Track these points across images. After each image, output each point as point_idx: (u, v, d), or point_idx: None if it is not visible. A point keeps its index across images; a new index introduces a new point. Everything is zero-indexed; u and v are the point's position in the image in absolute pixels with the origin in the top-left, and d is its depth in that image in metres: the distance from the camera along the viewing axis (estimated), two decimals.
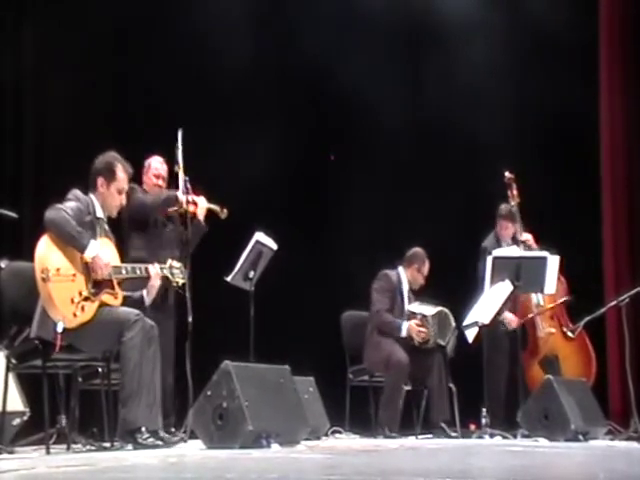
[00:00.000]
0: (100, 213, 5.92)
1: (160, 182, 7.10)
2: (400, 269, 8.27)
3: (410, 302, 8.22)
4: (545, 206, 9.08)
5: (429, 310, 7.99)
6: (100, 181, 5.93)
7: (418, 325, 7.94)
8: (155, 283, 5.95)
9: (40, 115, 8.53)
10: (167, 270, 6.01)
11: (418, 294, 8.29)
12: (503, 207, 8.50)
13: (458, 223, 9.16)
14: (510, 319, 8.15)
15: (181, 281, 6.10)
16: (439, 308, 8.02)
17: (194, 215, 6.99)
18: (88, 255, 5.65)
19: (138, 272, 5.93)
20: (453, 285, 8.32)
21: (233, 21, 9.23)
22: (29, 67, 8.49)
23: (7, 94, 8.31)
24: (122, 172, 5.97)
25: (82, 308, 5.62)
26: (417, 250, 8.30)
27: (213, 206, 7.11)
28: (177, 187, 6.87)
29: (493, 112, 9.48)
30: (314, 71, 9.76)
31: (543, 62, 9.56)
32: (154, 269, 5.94)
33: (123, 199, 6.04)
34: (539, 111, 9.51)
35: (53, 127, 8.52)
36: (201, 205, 7.03)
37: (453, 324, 8.01)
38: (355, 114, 9.93)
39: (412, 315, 8.02)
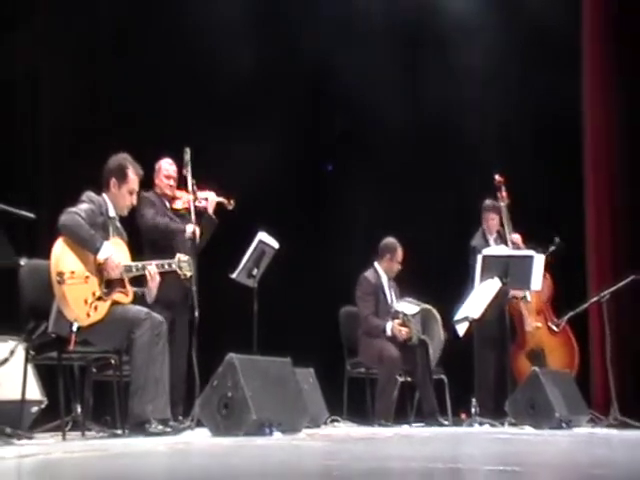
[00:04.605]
0: (112, 212, 5.94)
1: (171, 182, 7.13)
2: (376, 264, 8.28)
3: (393, 293, 8.23)
4: (532, 206, 9.07)
5: (412, 309, 8.01)
6: (112, 182, 5.93)
7: (400, 324, 7.96)
8: (152, 284, 5.91)
9: (56, 118, 8.44)
10: (175, 264, 5.99)
11: (410, 289, 8.27)
12: (488, 201, 8.55)
13: (457, 222, 9.03)
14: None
15: (189, 274, 6.07)
16: (422, 306, 8.03)
17: (205, 209, 7.04)
18: (101, 257, 5.68)
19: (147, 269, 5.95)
20: (447, 282, 8.30)
21: (234, 22, 9.04)
22: (45, 67, 8.33)
23: (24, 96, 8.19)
24: (133, 174, 5.97)
25: (95, 308, 5.64)
26: (386, 241, 8.28)
27: (220, 199, 7.15)
28: (186, 187, 6.91)
29: (493, 112, 9.43)
30: (314, 71, 9.67)
31: (540, 63, 9.46)
32: (152, 269, 5.90)
33: (134, 199, 6.04)
34: (534, 111, 9.43)
35: (68, 130, 8.45)
36: (211, 199, 7.08)
37: (438, 323, 8.02)
38: (355, 114, 9.83)
39: (396, 314, 8.04)
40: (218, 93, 9.14)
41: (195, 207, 6.84)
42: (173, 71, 8.94)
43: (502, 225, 8.55)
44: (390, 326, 7.97)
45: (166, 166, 7.17)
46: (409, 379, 8.11)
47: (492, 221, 8.52)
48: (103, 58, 8.69)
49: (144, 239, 6.90)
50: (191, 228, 6.80)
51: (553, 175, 9.27)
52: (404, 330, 7.93)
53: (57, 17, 8.40)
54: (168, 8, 8.98)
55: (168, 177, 7.13)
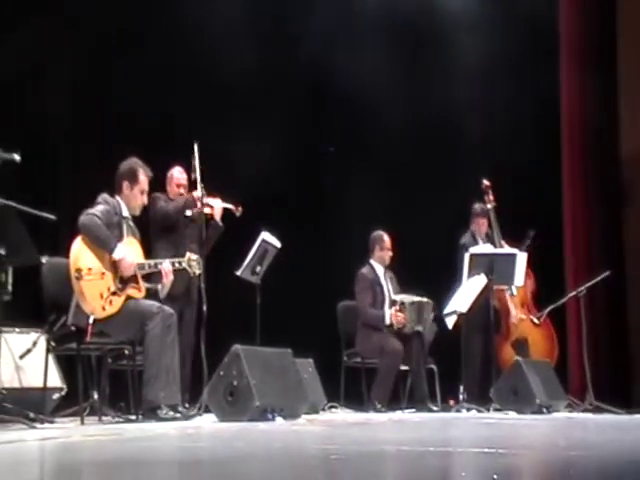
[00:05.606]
0: (126, 213, 6.01)
1: (182, 190, 7.17)
2: (371, 261, 8.27)
3: (389, 284, 8.20)
4: (516, 209, 9.01)
5: (408, 298, 8.03)
6: (125, 185, 6.01)
7: (397, 311, 7.97)
8: (165, 280, 5.95)
9: (63, 121, 8.30)
10: (185, 263, 6.03)
11: (406, 285, 8.26)
12: (477, 206, 8.52)
13: (455, 222, 8.72)
14: None
15: (197, 271, 6.11)
16: (419, 298, 8.04)
17: (211, 216, 7.05)
18: (116, 257, 5.74)
19: (159, 267, 5.98)
20: (442, 279, 8.24)
21: (236, 22, 8.77)
22: (47, 67, 8.11)
23: (31, 97, 7.97)
24: (143, 175, 6.05)
25: (110, 302, 5.70)
26: (372, 235, 8.29)
27: (228, 205, 7.16)
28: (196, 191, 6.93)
29: (492, 112, 9.35)
30: (314, 71, 9.47)
31: (539, 62, 9.30)
32: (166, 266, 5.95)
33: (145, 199, 6.12)
34: (533, 111, 9.23)
35: (77, 135, 8.34)
36: (217, 206, 7.09)
37: (431, 314, 8.02)
38: (355, 114, 9.65)
39: (393, 303, 8.06)
40: (219, 93, 8.95)
41: (202, 210, 6.85)
42: (173, 71, 8.73)
43: (490, 227, 8.55)
44: (389, 314, 7.98)
45: (177, 175, 7.20)
46: (403, 367, 8.10)
47: (482, 226, 8.50)
48: (103, 58, 8.46)
49: (155, 232, 6.92)
50: (197, 194, 6.79)
51: (536, 177, 9.22)
52: (401, 316, 7.92)
53: (57, 17, 8.22)
54: (168, 8, 8.75)
55: (179, 185, 7.17)
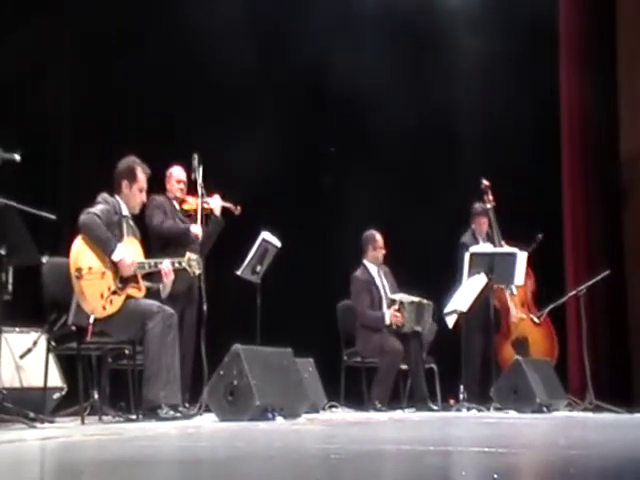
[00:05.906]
0: (126, 211, 6.01)
1: (181, 186, 7.17)
2: (364, 261, 8.25)
3: (385, 282, 8.19)
4: (516, 209, 9.00)
5: (407, 298, 8.02)
6: (124, 183, 6.01)
7: (396, 310, 7.96)
8: (166, 280, 5.95)
9: (76, 127, 8.41)
10: (185, 262, 6.02)
11: (406, 285, 8.26)
12: (477, 205, 8.53)
13: (456, 222, 8.67)
14: None
15: (197, 271, 6.10)
16: (418, 299, 8.04)
17: (211, 211, 7.05)
18: (115, 258, 5.73)
19: (159, 267, 5.98)
20: (442, 279, 8.24)
21: (236, 22, 8.72)
22: (48, 68, 8.11)
23: (31, 97, 7.97)
24: (142, 173, 6.06)
25: (110, 302, 5.69)
26: (364, 235, 8.27)
27: (227, 204, 7.16)
28: (195, 192, 6.92)
29: (492, 113, 9.31)
30: (315, 72, 9.44)
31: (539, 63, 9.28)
32: (166, 266, 5.94)
33: (144, 196, 6.12)
34: (533, 112, 9.18)
35: (76, 136, 8.38)
36: (216, 205, 7.08)
37: (430, 314, 8.01)
38: (355, 114, 9.62)
39: (392, 302, 8.04)
40: (219, 93, 8.93)
41: (202, 209, 6.86)
42: (173, 71, 8.70)
43: (490, 227, 8.55)
44: (388, 314, 7.97)
45: (177, 172, 7.22)
46: (403, 367, 8.09)
47: (483, 225, 8.51)
48: (103, 58, 8.42)
49: (152, 241, 6.91)
50: (195, 229, 6.83)
51: (536, 177, 9.21)
52: (399, 315, 7.90)
53: (57, 17, 8.21)
54: (168, 8, 8.72)
55: (179, 182, 7.19)
